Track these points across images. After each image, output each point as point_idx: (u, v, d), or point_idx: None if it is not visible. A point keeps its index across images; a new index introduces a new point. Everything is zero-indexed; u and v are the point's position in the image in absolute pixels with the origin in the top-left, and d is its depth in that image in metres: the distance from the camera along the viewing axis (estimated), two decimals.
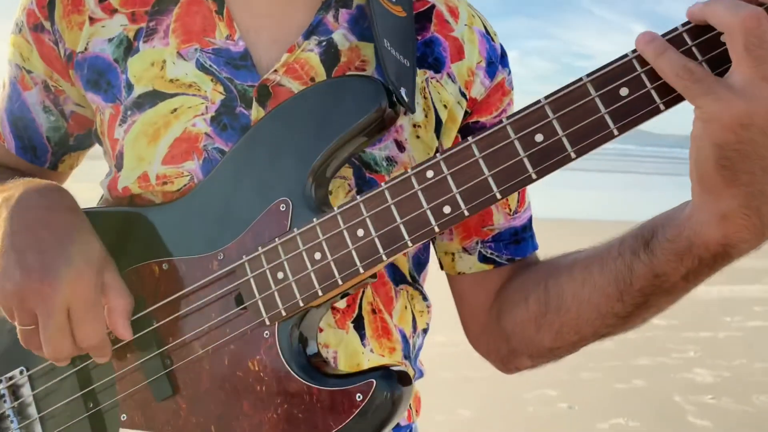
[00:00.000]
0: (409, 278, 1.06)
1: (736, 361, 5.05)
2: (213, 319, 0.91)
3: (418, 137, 1.00)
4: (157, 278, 0.95)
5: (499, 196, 0.79)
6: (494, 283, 1.05)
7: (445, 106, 1.00)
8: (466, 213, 0.80)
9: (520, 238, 1.06)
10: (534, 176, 0.77)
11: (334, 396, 0.84)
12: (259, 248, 0.89)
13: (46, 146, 1.11)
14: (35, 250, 0.87)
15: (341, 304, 0.98)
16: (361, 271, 0.84)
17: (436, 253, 1.10)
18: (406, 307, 1.06)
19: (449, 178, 0.80)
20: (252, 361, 0.88)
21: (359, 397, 0.83)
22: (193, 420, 0.90)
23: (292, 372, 0.86)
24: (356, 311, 1.00)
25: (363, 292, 1.00)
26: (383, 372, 0.84)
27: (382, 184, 0.84)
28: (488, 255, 1.05)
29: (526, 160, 0.78)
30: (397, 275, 1.04)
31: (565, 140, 0.76)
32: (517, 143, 0.78)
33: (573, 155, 0.76)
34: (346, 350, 0.99)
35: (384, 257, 0.83)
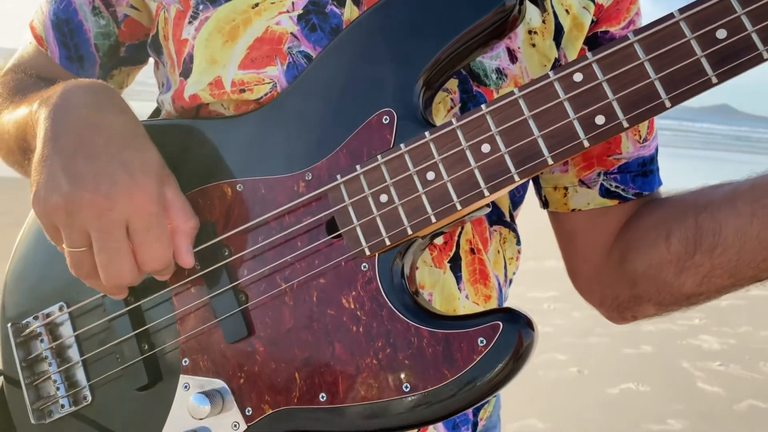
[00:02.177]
0: (507, 217, 0.93)
1: (741, 329, 5.00)
2: (298, 249, 0.77)
3: (533, 45, 0.86)
4: (230, 201, 0.81)
5: (668, 104, 0.65)
6: (615, 221, 0.92)
7: (567, 11, 0.86)
8: (625, 124, 0.66)
9: (648, 170, 0.93)
10: (714, 80, 0.64)
11: (450, 340, 0.71)
12: (358, 167, 0.75)
13: (94, 56, 0.96)
14: (85, 155, 0.72)
15: (438, 240, 0.85)
16: (486, 194, 0.70)
17: (538, 188, 0.97)
18: (498, 252, 0.93)
19: (605, 84, 0.67)
20: (346, 297, 0.75)
21: (482, 341, 0.70)
22: (272, 365, 0.77)
23: (395, 310, 0.73)
24: (453, 249, 0.87)
25: (462, 227, 0.87)
26: (509, 314, 0.71)
27: (515, 90, 0.70)
28: (612, 188, 0.91)
29: (704, 61, 0.64)
30: (493, 213, 0.91)
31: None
32: (694, 43, 0.64)
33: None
34: (443, 293, 0.86)
35: (516, 177, 0.69)
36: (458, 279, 0.87)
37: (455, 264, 0.87)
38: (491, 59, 0.83)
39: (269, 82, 0.82)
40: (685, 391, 3.96)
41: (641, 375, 4.07)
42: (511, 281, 0.99)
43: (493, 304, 0.92)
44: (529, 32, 0.85)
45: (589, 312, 0.95)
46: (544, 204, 0.98)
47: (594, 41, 0.88)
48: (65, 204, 0.70)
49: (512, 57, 0.86)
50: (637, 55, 0.66)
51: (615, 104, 0.66)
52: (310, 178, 0.78)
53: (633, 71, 0.66)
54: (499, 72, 0.85)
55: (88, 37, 0.95)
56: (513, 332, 0.69)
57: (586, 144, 0.67)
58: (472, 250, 0.89)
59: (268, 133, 0.81)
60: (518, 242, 0.96)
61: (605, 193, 0.93)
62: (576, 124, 0.67)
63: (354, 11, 0.81)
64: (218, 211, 0.81)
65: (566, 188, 0.93)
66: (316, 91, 0.79)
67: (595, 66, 0.67)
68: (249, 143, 0.81)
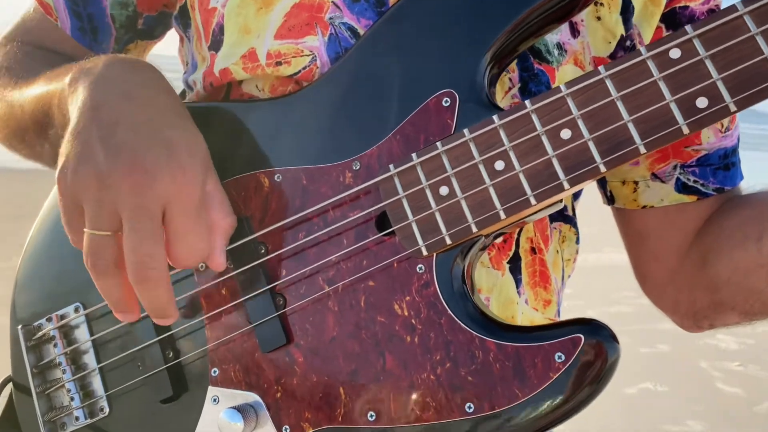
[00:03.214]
0: (570, 212, 0.84)
1: (760, 329, 4.89)
2: (344, 248, 0.68)
3: (598, 18, 0.77)
4: (267, 193, 0.72)
5: None
6: (694, 219, 0.84)
7: None
8: (733, 108, 0.57)
9: (730, 162, 0.84)
10: None
11: (522, 354, 0.62)
12: (414, 155, 0.66)
13: (110, 27, 0.87)
14: (127, 126, 0.63)
15: (497, 238, 0.76)
16: (566, 186, 0.62)
17: (602, 181, 0.88)
18: (557, 251, 0.84)
19: (708, 61, 0.58)
20: (399, 302, 0.66)
21: (560, 357, 0.61)
22: (313, 378, 0.69)
23: (457, 319, 0.64)
24: (513, 248, 0.78)
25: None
26: (589, 325, 0.62)
27: (600, 68, 0.61)
28: (690, 183, 0.82)
29: None
30: None
31: None
32: None
33: None
34: (500, 297, 0.77)
35: (602, 167, 0.60)
36: (518, 282, 0.79)
37: (514, 265, 0.79)
38: (552, 33, 0.74)
39: (308, 54, 0.73)
40: (704, 391, 3.88)
41: (659, 375, 3.98)
42: (564, 285, 0.90)
43: (553, 310, 0.84)
44: (595, 3, 0.76)
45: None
46: (610, 200, 0.89)
47: (672, 18, 0.79)
48: (98, 176, 0.61)
49: (574, 31, 0.77)
50: (746, 27, 0.57)
51: (720, 84, 0.57)
52: (357, 167, 0.69)
53: (742, 46, 0.57)
54: (560, 47, 0.76)
55: (103, 7, 0.86)
56: (596, 347, 0.60)
57: (685, 130, 0.58)
58: (533, 250, 0.80)
59: (310, 117, 0.72)
60: (577, 240, 0.88)
61: (682, 188, 0.84)
62: (674, 107, 0.58)
63: None
64: (254, 204, 0.72)
65: (636, 182, 0.84)
66: (364, 71, 0.70)
67: (696, 41, 0.58)
68: (288, 129, 0.73)
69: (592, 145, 0.61)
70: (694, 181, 0.82)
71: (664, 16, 0.79)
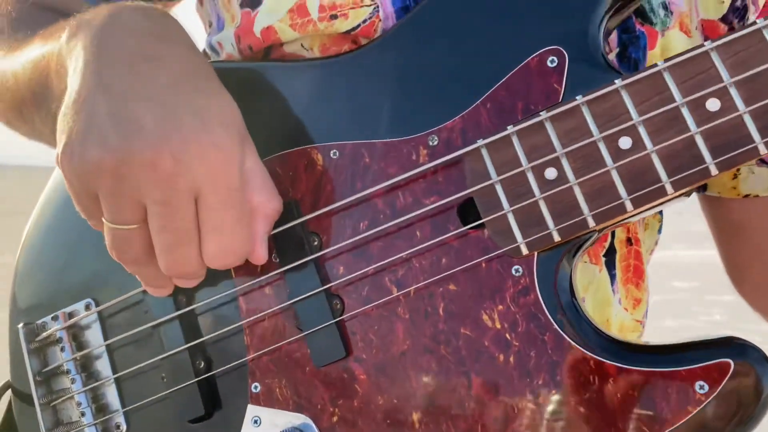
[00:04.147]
0: None
1: (764, 326, 4.80)
2: (417, 242, 0.56)
3: None
4: (320, 172, 0.59)
5: None
6: None
7: None
8: None
9: None
10: None
11: (652, 382, 0.49)
12: (509, 127, 0.53)
13: None
14: (142, 95, 0.50)
15: None
16: (713, 171, 0.48)
17: None
18: (642, 242, 0.72)
19: None
20: (489, 312, 0.54)
21: (701, 387, 0.48)
22: (378, 399, 0.56)
23: (564, 335, 0.52)
24: (609, 239, 0.66)
25: None
26: (734, 347, 0.49)
27: (758, 21, 0.47)
28: None
29: None
30: None
31: None
32: None
33: None
34: (596, 296, 0.65)
35: (762, 148, 0.47)
36: (612, 278, 0.67)
37: (610, 258, 0.67)
38: None
39: (370, 5, 0.60)
40: None
41: None
42: None
43: (642, 311, 0.72)
44: None
45: None
46: (702, 186, 0.76)
47: None
48: (114, 163, 0.49)
49: None
50: None
51: None
52: (435, 143, 0.56)
53: None
54: (666, 7, 0.64)
55: None
56: (748, 375, 0.48)
57: None
58: (629, 240, 0.68)
59: (373, 82, 0.59)
60: (660, 229, 0.75)
61: None
62: None
63: None
64: (304, 185, 0.59)
65: (738, 168, 0.71)
66: (443, 26, 0.57)
67: None
68: (347, 96, 0.59)
69: (749, 120, 0.47)
70: None
71: None
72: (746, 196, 0.74)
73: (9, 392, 0.73)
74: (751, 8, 0.68)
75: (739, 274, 0.79)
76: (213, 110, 0.52)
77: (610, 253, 0.66)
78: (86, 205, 0.53)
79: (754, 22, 0.48)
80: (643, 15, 0.63)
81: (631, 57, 0.64)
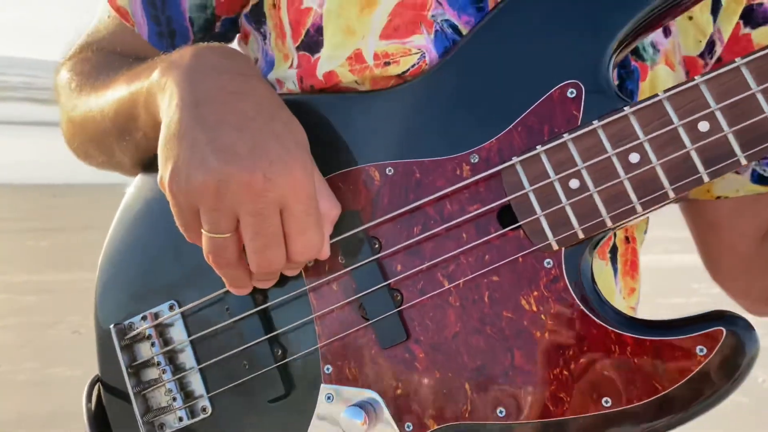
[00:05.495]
0: None
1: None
2: (465, 243, 0.67)
3: (690, 18, 0.78)
4: (378, 187, 0.71)
5: None
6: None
7: None
8: None
9: None
10: None
11: (662, 349, 0.62)
12: (539, 147, 0.65)
13: (188, 30, 0.83)
14: (233, 126, 0.62)
15: None
16: (705, 179, 0.61)
17: None
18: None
19: None
20: (526, 297, 0.66)
21: (701, 350, 0.61)
22: (435, 374, 0.68)
23: (589, 314, 0.64)
24: (612, 238, 0.78)
25: None
26: (726, 318, 0.62)
27: (737, 60, 0.60)
28: (766, 174, 0.83)
29: None
30: None
31: None
32: None
33: None
34: (603, 287, 0.76)
35: (742, 160, 0.60)
36: (615, 271, 0.79)
37: (613, 255, 0.79)
38: None
39: (417, 52, 0.71)
40: None
41: None
42: None
43: (635, 299, 0.84)
44: None
45: None
46: None
47: (749, 15, 0.80)
48: (216, 183, 0.60)
49: (666, 30, 0.78)
50: None
51: None
52: (476, 160, 0.68)
53: None
54: (653, 46, 0.76)
55: (182, 10, 0.83)
56: (737, 339, 0.60)
57: None
58: (626, 239, 0.80)
59: (420, 110, 0.70)
60: (646, 231, 0.88)
61: (758, 179, 0.84)
62: None
63: None
64: (364, 198, 0.71)
65: None
66: (478, 63, 0.69)
67: None
68: (398, 121, 0.71)
69: (732, 138, 0.60)
70: None
71: (742, 13, 0.80)
72: (718, 197, 0.86)
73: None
74: (718, 43, 0.81)
75: (714, 265, 0.92)
76: (289, 136, 0.64)
77: (614, 251, 0.79)
78: (187, 220, 0.64)
79: (734, 61, 0.60)
80: (636, 52, 0.76)
81: (627, 88, 0.75)
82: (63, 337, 4.08)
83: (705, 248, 0.93)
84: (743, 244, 0.86)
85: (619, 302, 0.81)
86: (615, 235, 0.79)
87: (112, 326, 0.79)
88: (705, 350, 0.61)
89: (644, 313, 0.75)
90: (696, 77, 0.61)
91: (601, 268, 0.77)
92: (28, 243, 6.03)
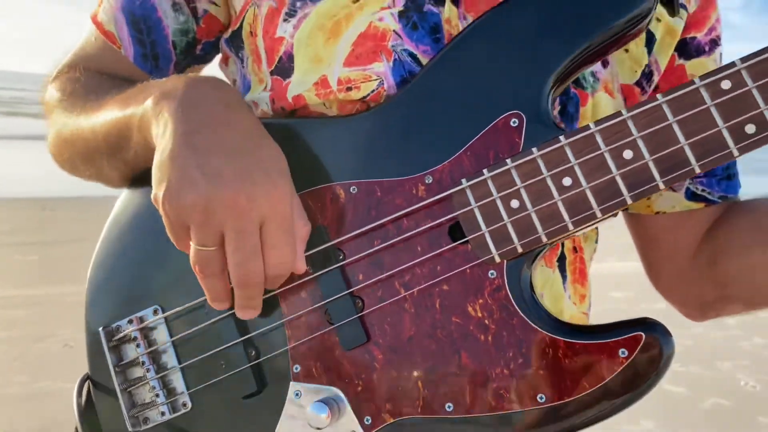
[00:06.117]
0: None
1: (694, 330, 5.07)
2: (419, 255, 0.75)
3: (626, 51, 0.86)
4: (343, 204, 0.79)
5: None
6: (702, 223, 0.93)
7: (658, 19, 0.86)
8: None
9: (732, 173, 0.94)
10: None
11: (589, 351, 0.70)
12: (485, 171, 0.73)
13: (171, 53, 0.92)
14: (222, 153, 0.70)
15: None
16: (629, 201, 0.69)
17: None
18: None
19: (755, 91, 0.66)
20: (472, 305, 0.74)
21: (623, 353, 0.69)
22: (392, 373, 0.76)
23: (527, 320, 0.72)
24: (560, 248, 0.86)
25: None
26: (646, 324, 0.70)
27: (658, 96, 0.69)
28: (699, 192, 0.92)
29: None
30: None
31: None
32: None
33: None
34: (551, 292, 0.85)
35: (661, 185, 0.68)
36: (564, 278, 0.87)
37: (561, 263, 0.87)
38: None
39: (376, 79, 0.80)
40: (653, 392, 4.02)
41: None
42: None
43: (586, 305, 0.92)
44: None
45: None
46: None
47: (683, 47, 0.89)
48: (204, 203, 0.68)
49: (604, 61, 0.86)
50: None
51: (767, 114, 0.66)
52: (430, 181, 0.76)
53: None
54: (593, 75, 0.85)
55: (166, 34, 0.91)
56: (654, 342, 0.69)
57: (735, 153, 0.67)
58: (574, 249, 0.89)
59: (382, 134, 0.79)
60: (597, 240, 0.96)
61: (691, 196, 0.93)
62: (725, 132, 0.67)
63: (453, 11, 0.80)
64: (330, 214, 0.79)
65: None
66: (434, 92, 0.77)
67: (744, 73, 0.66)
68: (362, 144, 0.79)
69: (652, 165, 0.68)
70: (702, 190, 0.92)
71: (677, 46, 0.88)
72: (657, 212, 0.95)
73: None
74: (655, 73, 0.89)
75: (655, 274, 1.00)
76: (271, 161, 0.72)
77: (562, 259, 0.87)
78: (178, 234, 0.72)
79: (656, 97, 0.69)
80: (577, 81, 0.84)
81: (569, 112, 0.84)
82: (53, 350, 4.11)
83: (647, 259, 1.01)
84: (679, 256, 0.95)
85: (570, 308, 0.88)
86: (563, 245, 0.87)
87: (101, 329, 0.86)
88: (626, 352, 0.69)
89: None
90: (623, 111, 0.70)
91: (548, 276, 0.85)
92: (16, 257, 6.06)
